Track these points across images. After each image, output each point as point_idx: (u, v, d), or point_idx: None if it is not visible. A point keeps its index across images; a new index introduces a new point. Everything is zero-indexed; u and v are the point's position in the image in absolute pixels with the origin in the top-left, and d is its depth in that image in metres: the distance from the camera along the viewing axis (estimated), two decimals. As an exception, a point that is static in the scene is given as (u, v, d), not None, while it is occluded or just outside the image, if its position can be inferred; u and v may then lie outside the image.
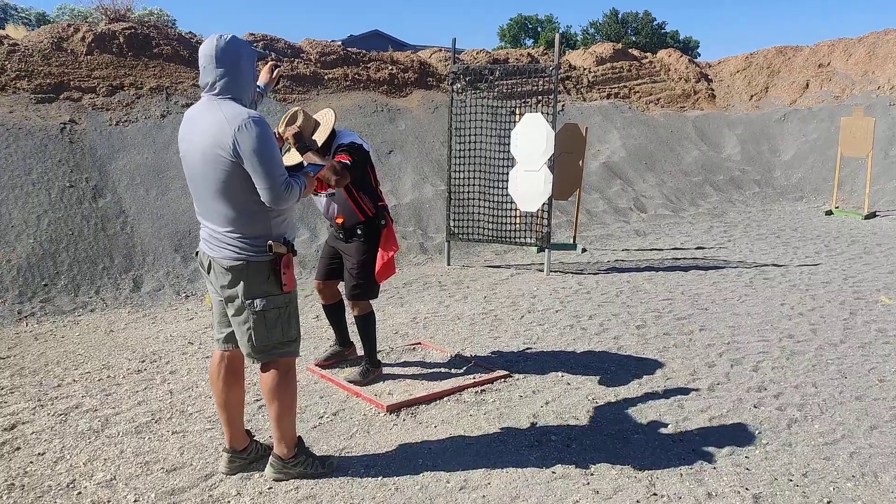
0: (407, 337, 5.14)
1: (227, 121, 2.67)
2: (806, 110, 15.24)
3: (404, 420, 3.70)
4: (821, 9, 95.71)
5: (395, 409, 3.77)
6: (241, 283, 2.83)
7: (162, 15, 13.80)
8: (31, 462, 3.27)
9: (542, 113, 7.21)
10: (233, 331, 2.98)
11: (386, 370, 4.36)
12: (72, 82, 8.45)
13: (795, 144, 14.50)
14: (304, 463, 3.09)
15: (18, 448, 3.40)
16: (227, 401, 3.08)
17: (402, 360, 4.58)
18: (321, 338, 5.13)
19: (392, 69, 12.20)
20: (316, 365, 4.43)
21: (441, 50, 13.90)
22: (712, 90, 16.66)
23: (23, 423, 3.67)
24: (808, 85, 16.07)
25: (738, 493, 3.06)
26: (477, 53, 14.20)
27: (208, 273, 2.93)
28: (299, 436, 3.14)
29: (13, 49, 8.40)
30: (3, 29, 10.53)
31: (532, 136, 7.19)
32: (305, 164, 3.30)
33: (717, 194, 12.34)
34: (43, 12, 15.31)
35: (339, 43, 12.98)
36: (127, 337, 5.20)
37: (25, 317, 5.57)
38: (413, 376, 4.27)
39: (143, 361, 4.66)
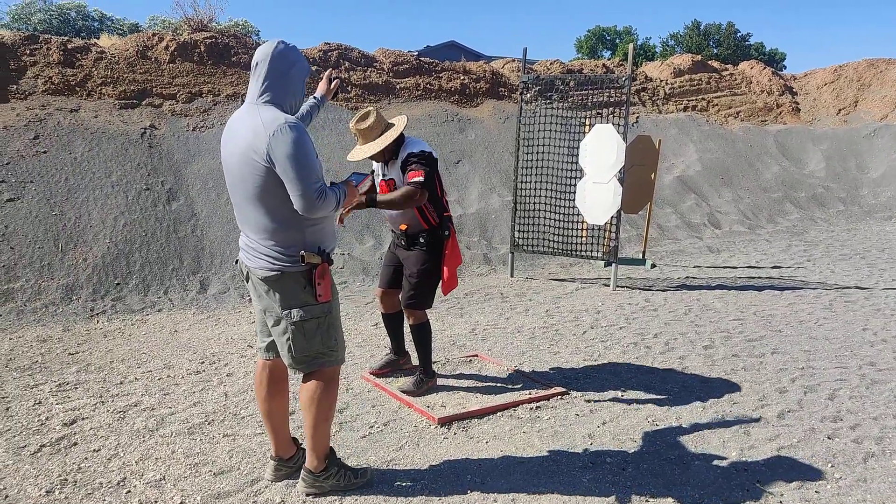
0: (464, 348, 5.10)
1: (264, 126, 2.62)
2: (898, 126, 14.43)
3: (455, 434, 3.65)
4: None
5: (446, 421, 3.73)
6: (278, 293, 2.78)
7: (246, 26, 14.34)
8: (86, 458, 3.37)
9: (614, 124, 7.07)
10: (274, 340, 2.95)
11: (441, 382, 4.33)
12: (154, 89, 8.85)
13: (886, 161, 13.74)
14: (336, 475, 3.02)
15: (76, 443, 3.51)
16: (270, 410, 3.07)
17: (457, 372, 4.53)
18: (378, 346, 5.15)
19: (464, 79, 12.24)
20: (370, 374, 4.43)
21: (514, 60, 13.87)
22: (797, 103, 15.98)
23: (83, 419, 3.80)
24: (901, 99, 15.22)
25: (806, 530, 2.88)
26: (550, 64, 14.08)
27: (247, 282, 2.91)
28: (331, 447, 3.08)
29: (100, 56, 8.86)
30: (98, 38, 11.11)
31: (602, 148, 7.05)
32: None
33: (797, 212, 11.80)
34: (136, 23, 16.14)
35: (414, 53, 13.13)
36: (190, 337, 5.35)
37: (97, 314, 5.83)
38: (467, 389, 4.22)
39: (203, 362, 4.78)
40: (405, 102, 11.23)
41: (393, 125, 3.91)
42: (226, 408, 4.00)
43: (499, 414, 3.89)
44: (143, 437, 3.61)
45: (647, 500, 3.06)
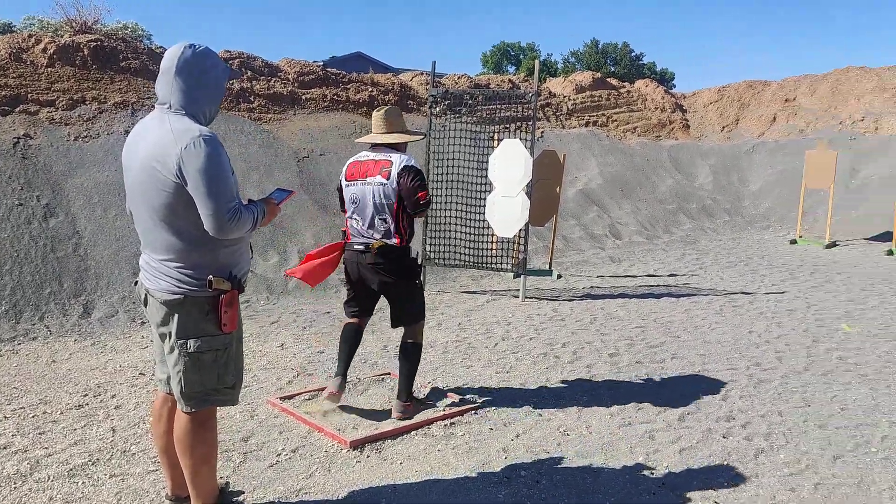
0: (376, 367, 5.08)
1: (175, 137, 2.43)
2: (773, 143, 15.58)
3: (368, 456, 3.62)
4: (788, 45, 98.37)
5: (358, 444, 3.67)
6: (176, 319, 2.55)
7: (136, 29, 13.70)
8: (-55, 514, 3.02)
9: (521, 139, 7.28)
10: None
11: (353, 402, 4.29)
12: (29, 95, 8.22)
13: (763, 175, 14.78)
14: None
15: (-68, 497, 3.13)
16: (168, 445, 2.80)
17: (370, 392, 4.51)
18: (285, 368, 5.00)
19: (372, 91, 12.26)
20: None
21: (422, 73, 14.01)
22: (687, 120, 16.96)
23: (-61, 468, 3.34)
24: (775, 118, 16.45)
25: (707, 528, 3.06)
26: (458, 78, 14.32)
27: (145, 306, 2.66)
28: (222, 487, 2.88)
29: (-33, 59, 8.23)
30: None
31: (510, 162, 7.24)
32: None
33: (689, 222, 12.51)
34: (9, 22, 14.99)
35: (320, 63, 13.02)
36: (70, 368, 4.92)
37: (-38, 345, 5.25)
38: (381, 409, 4.18)
39: (86, 395, 4.39)
40: (311, 114, 11.11)
41: (410, 133, 4.07)
42: (113, 444, 3.66)
43: (413, 433, 3.90)
44: (15, 483, 3.23)
45: (560, 509, 3.16)
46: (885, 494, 3.37)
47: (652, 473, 3.54)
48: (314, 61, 12.98)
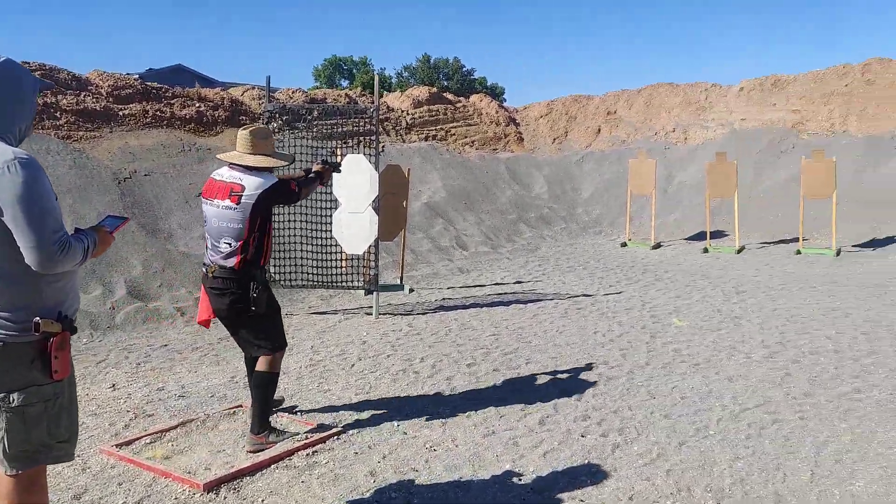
0: (226, 399, 4.72)
1: None
2: (599, 153, 16.73)
3: (226, 498, 3.32)
4: (608, 60, 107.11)
5: (213, 486, 3.36)
6: None
7: None
8: None
9: (365, 154, 7.18)
10: None
11: (202, 441, 3.95)
12: None
13: (593, 184, 15.81)
14: None
15: None
16: None
17: (221, 428, 4.17)
18: (119, 411, 4.49)
19: (200, 106, 11.62)
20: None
21: (254, 88, 13.52)
22: (520, 133, 17.75)
23: None
24: (600, 130, 17.69)
25: (577, 528, 3.11)
26: (293, 93, 13.98)
27: None
28: None
29: None
30: None
31: (355, 178, 7.10)
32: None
33: (529, 231, 13.05)
34: None
35: (135, 76, 12.14)
36: None
37: None
38: (235, 445, 3.88)
39: None
40: (131, 131, 10.32)
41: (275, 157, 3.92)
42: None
43: (273, 467, 3.64)
44: None
45: (434, 529, 3.08)
46: (726, 472, 3.62)
47: (520, 479, 3.56)
48: (128, 73, 12.07)
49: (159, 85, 11.76)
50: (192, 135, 10.82)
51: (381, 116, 14.76)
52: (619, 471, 3.66)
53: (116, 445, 3.81)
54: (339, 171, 4.42)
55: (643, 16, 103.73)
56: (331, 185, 7.29)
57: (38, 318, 2.23)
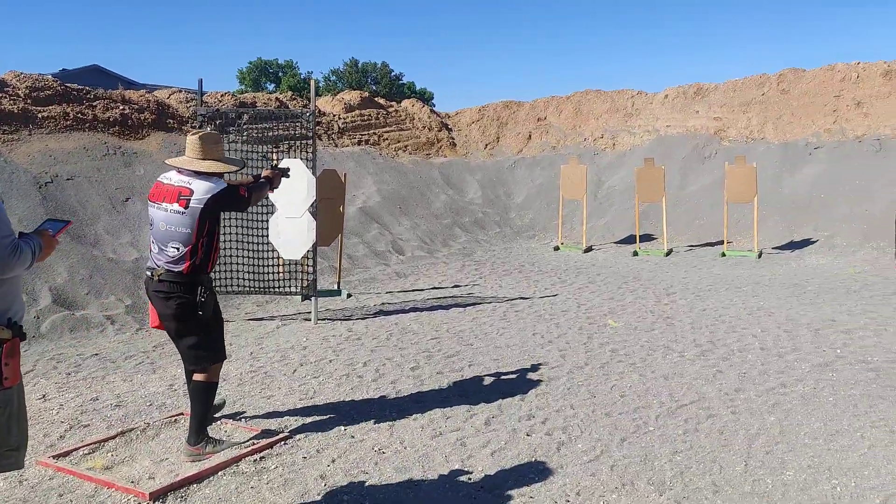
0: (165, 408, 4.58)
1: None
2: (531, 159, 17.03)
3: (174, 505, 3.25)
4: (538, 67, 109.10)
5: (159, 495, 3.27)
6: None
7: None
8: None
9: (302, 159, 7.09)
10: None
11: (143, 450, 3.82)
12: None
13: (525, 189, 16.08)
14: None
15: None
16: None
17: (162, 436, 4.04)
18: (52, 422, 4.30)
19: (124, 109, 11.19)
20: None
21: (181, 90, 13.12)
22: (453, 139, 17.88)
23: None
24: (530, 136, 18.01)
25: (528, 524, 3.16)
26: (222, 96, 13.65)
27: None
28: None
29: None
30: None
31: (292, 183, 6.97)
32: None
33: (465, 235, 13.16)
34: None
35: (49, 76, 11.58)
36: None
37: None
38: (179, 454, 3.77)
39: None
40: (51, 133, 9.85)
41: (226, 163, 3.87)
42: None
43: (220, 473, 3.56)
44: None
45: (389, 531, 3.07)
46: (667, 466, 3.76)
47: (469, 479, 3.60)
48: (42, 74, 11.51)
49: (81, 87, 11.26)
50: (116, 138, 10.41)
51: (301, 121, 14.61)
52: (565, 468, 3.74)
53: (53, 457, 3.64)
54: (289, 177, 4.39)
55: (570, 23, 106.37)
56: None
57: None
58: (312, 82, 7.54)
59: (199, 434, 3.73)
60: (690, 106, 16.15)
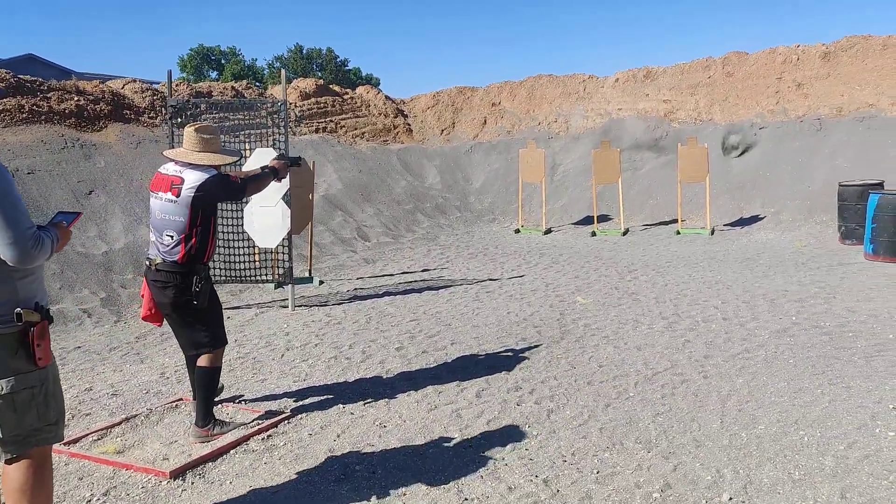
0: (161, 395, 4.66)
1: None
2: (487, 143, 17.26)
3: (193, 483, 3.37)
4: (492, 54, 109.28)
5: (179, 473, 3.40)
6: None
7: None
8: None
9: (275, 148, 7.15)
10: None
11: (152, 433, 3.92)
12: None
13: (483, 173, 16.31)
14: None
15: None
16: None
17: (166, 421, 4.14)
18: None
19: (79, 100, 10.95)
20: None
21: (136, 81, 12.88)
22: (409, 125, 17.97)
23: None
24: (485, 121, 18.23)
25: (531, 480, 3.40)
26: (177, 85, 13.43)
27: None
28: None
29: None
30: None
31: (265, 171, 7.05)
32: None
33: (427, 220, 13.33)
34: None
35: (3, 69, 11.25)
36: None
37: None
38: (186, 436, 3.89)
39: None
40: (7, 127, 9.61)
41: (221, 157, 3.95)
42: None
43: (232, 452, 3.70)
44: None
45: (404, 494, 3.27)
46: (650, 427, 4.05)
47: (470, 445, 3.82)
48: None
49: (34, 78, 10.96)
50: (73, 130, 10.20)
51: (271, 109, 14.52)
52: (557, 432, 4.00)
53: (65, 443, 3.71)
54: (299, 165, 4.46)
55: (521, 8, 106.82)
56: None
57: (19, 309, 2.36)
58: (283, 73, 7.60)
59: (206, 417, 3.84)
60: (640, 89, 16.61)
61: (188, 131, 3.85)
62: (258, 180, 4.11)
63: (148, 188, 3.91)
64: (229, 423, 3.99)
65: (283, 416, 4.14)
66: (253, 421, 4.05)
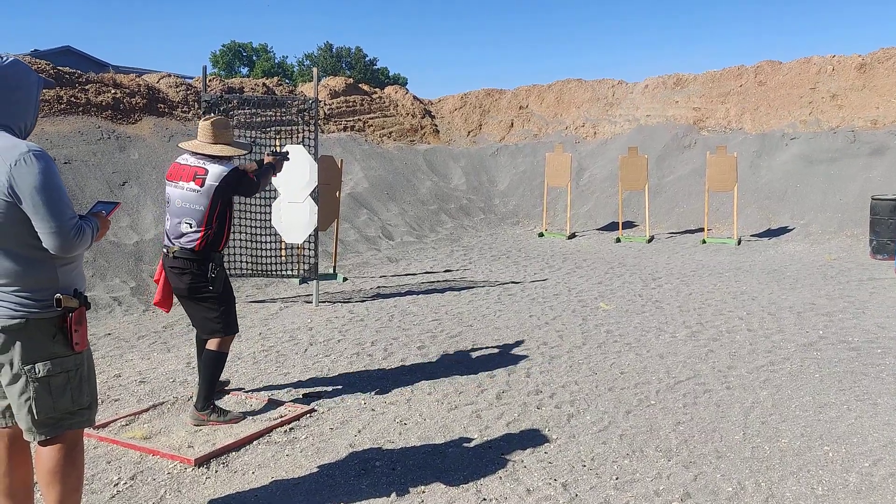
0: (187, 384, 4.75)
1: (1, 155, 2.32)
2: (513, 146, 17.26)
3: (217, 471, 3.43)
4: (521, 56, 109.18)
5: (204, 461, 3.47)
6: (19, 345, 2.40)
7: None
8: None
9: (305, 145, 7.23)
10: (10, 403, 2.49)
11: (178, 421, 4.00)
12: None
13: (508, 176, 16.32)
14: None
15: None
16: (12, 486, 2.57)
17: (191, 410, 4.21)
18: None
19: (116, 93, 11.16)
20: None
21: (170, 75, 13.08)
22: (436, 126, 18.03)
23: None
24: (512, 124, 18.24)
25: (550, 484, 3.41)
26: (210, 81, 13.61)
27: None
28: None
29: None
30: None
31: (295, 168, 7.13)
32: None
33: (451, 221, 13.36)
34: None
35: (29, 56, 11.50)
36: None
37: None
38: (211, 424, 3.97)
39: None
40: (46, 117, 9.82)
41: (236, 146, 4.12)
42: None
43: (255, 443, 3.76)
44: None
45: (423, 492, 3.30)
46: (671, 435, 4.04)
47: (490, 447, 3.83)
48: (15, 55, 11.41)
49: (73, 70, 11.20)
50: (109, 122, 10.40)
51: (300, 107, 14.66)
52: (577, 437, 4.00)
53: (94, 427, 3.80)
54: (289, 160, 4.62)
55: (551, 12, 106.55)
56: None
57: (58, 294, 2.43)
58: (315, 72, 7.68)
59: (206, 400, 3.97)
60: (670, 96, 16.49)
61: (204, 124, 4.03)
62: (265, 176, 4.33)
63: (166, 178, 4.06)
64: (228, 412, 4.06)
65: (305, 409, 4.19)
66: (277, 412, 4.10)
